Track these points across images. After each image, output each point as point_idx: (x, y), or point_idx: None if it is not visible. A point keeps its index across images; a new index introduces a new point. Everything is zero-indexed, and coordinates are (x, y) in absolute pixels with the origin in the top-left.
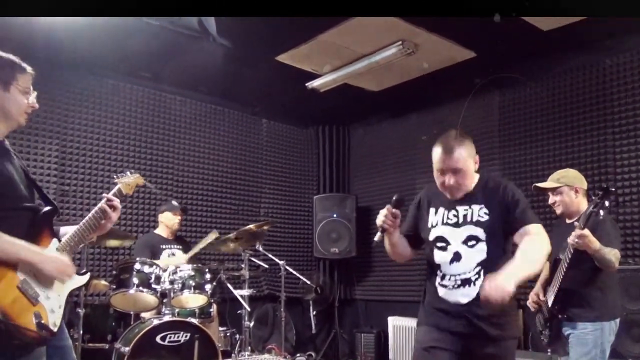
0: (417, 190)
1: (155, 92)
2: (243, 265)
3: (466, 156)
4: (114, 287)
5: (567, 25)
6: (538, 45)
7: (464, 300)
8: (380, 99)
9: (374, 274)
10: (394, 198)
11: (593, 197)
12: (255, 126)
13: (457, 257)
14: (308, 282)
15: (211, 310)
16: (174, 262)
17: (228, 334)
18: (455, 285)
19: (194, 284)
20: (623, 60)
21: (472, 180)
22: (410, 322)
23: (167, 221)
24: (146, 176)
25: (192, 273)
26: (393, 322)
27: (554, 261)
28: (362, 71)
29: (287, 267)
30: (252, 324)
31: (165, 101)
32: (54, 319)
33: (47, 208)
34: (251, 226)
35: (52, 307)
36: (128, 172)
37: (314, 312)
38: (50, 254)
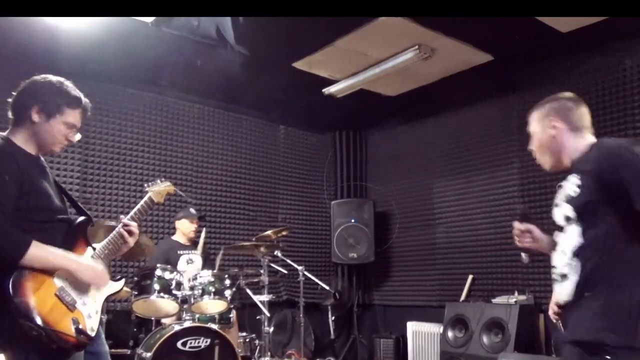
0: (435, 194)
1: (173, 100)
2: (262, 271)
3: (536, 119)
4: (136, 293)
5: (586, 27)
6: (557, 47)
7: (564, 298)
8: (396, 104)
9: (392, 279)
10: (519, 213)
11: None
12: (272, 132)
13: (555, 244)
14: (327, 288)
15: (231, 315)
16: (192, 269)
17: (247, 340)
18: (557, 280)
19: (213, 289)
20: None
21: (553, 149)
22: (430, 327)
23: (184, 228)
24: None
25: (212, 279)
26: (412, 327)
27: None
28: (379, 76)
29: (306, 273)
30: (271, 330)
31: (183, 109)
32: (91, 324)
33: (82, 218)
34: (269, 232)
35: (89, 312)
36: (159, 180)
37: (333, 318)
38: (86, 261)
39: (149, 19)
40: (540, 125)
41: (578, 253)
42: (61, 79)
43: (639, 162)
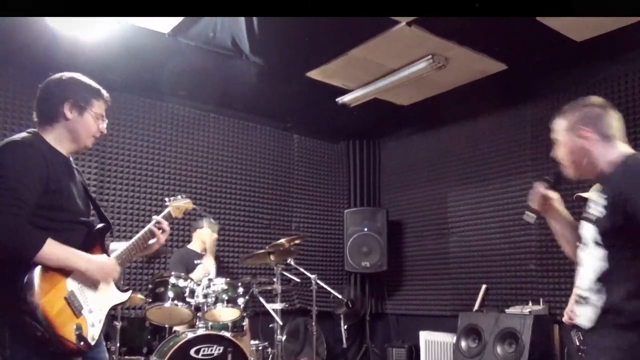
0: (449, 204)
1: (190, 110)
2: (275, 279)
3: (563, 127)
4: (150, 300)
5: (600, 36)
6: (571, 56)
7: (585, 323)
8: (410, 113)
9: (405, 288)
10: (553, 173)
11: None
12: (286, 141)
13: (580, 262)
14: (339, 296)
15: (244, 323)
16: (204, 271)
17: (260, 348)
18: (579, 301)
19: (227, 297)
20: None
21: (582, 159)
22: (443, 337)
23: (206, 238)
24: (180, 191)
25: (225, 287)
26: (425, 336)
27: None
28: (392, 86)
29: (319, 281)
30: (284, 338)
31: (199, 118)
32: (93, 332)
33: (101, 225)
34: (283, 240)
35: (93, 321)
36: (179, 197)
37: (345, 326)
38: (98, 259)
39: (165, 30)
40: (568, 134)
41: (602, 278)
42: (77, 74)
43: None
